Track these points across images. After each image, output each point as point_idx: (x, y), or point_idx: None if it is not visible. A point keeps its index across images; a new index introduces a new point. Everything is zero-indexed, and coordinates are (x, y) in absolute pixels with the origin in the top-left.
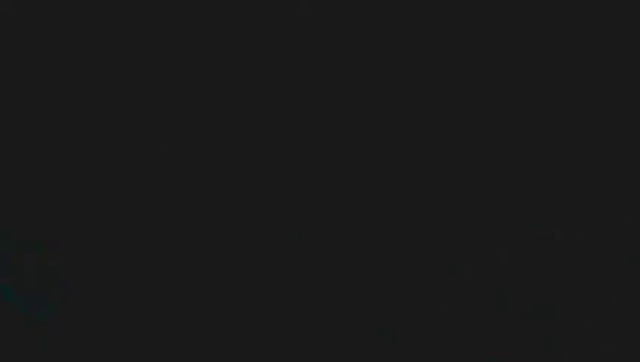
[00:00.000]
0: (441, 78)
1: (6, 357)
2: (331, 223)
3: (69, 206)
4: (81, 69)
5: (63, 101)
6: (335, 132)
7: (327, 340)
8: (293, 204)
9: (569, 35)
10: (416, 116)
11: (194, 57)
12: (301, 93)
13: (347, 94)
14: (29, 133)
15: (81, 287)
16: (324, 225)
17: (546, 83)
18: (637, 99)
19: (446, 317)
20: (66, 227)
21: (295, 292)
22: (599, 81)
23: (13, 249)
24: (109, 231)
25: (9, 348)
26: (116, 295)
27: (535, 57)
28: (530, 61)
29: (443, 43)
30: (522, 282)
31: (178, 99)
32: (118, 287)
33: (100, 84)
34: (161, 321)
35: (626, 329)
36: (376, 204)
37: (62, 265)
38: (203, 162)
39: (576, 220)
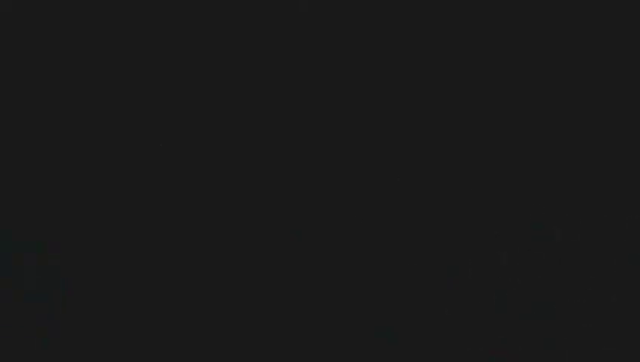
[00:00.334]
0: (441, 78)
1: (6, 357)
2: (331, 223)
3: (69, 206)
4: (81, 69)
5: (63, 101)
6: (335, 132)
7: (327, 340)
8: (293, 204)
9: (569, 35)
10: (416, 116)
11: (194, 57)
12: (301, 93)
13: (347, 94)
14: (29, 133)
15: (81, 287)
16: (324, 225)
17: (546, 83)
18: (637, 99)
19: (446, 317)
20: (66, 227)
21: (295, 293)
22: (599, 81)
23: (13, 249)
24: (109, 231)
25: (9, 348)
26: (116, 295)
27: (535, 57)
28: (529, 61)
29: (443, 43)
30: (522, 282)
31: (178, 99)
32: (118, 287)
33: (99, 84)
34: (161, 321)
35: (626, 329)
36: (376, 204)
37: (62, 265)
38: (203, 162)
39: (576, 220)
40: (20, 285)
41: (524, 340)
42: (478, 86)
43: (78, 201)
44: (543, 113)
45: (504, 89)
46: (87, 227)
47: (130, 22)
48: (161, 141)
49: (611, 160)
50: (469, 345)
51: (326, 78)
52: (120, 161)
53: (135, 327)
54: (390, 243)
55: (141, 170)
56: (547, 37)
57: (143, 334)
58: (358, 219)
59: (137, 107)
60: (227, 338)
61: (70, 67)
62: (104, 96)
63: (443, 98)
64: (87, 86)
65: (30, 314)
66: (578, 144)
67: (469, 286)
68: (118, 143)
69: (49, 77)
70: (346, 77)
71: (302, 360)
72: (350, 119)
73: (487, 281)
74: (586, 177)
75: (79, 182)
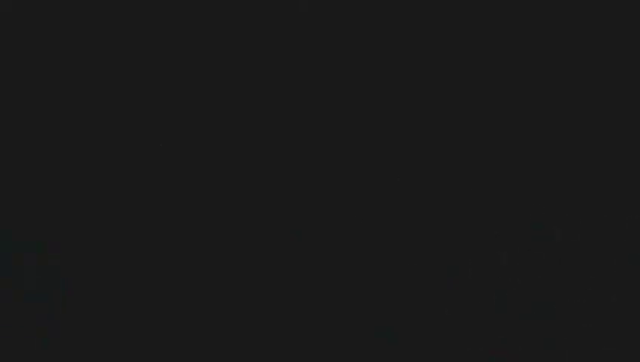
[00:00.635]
0: (440, 78)
1: (6, 357)
2: (331, 223)
3: (69, 206)
4: (81, 69)
5: (62, 101)
6: (335, 132)
7: (327, 340)
8: (293, 204)
9: (569, 35)
10: (416, 116)
11: (194, 57)
12: (301, 93)
13: (347, 94)
14: (29, 133)
15: (81, 287)
16: (324, 225)
17: (546, 83)
18: (637, 99)
19: (446, 317)
20: (66, 227)
21: (295, 293)
22: (599, 81)
23: (13, 249)
24: (109, 231)
25: (9, 348)
26: (116, 295)
27: (535, 57)
28: (529, 61)
29: (443, 43)
30: (522, 282)
31: (178, 98)
32: (118, 287)
33: (99, 84)
34: (161, 321)
35: (626, 329)
36: (376, 204)
37: (62, 265)
38: (203, 162)
39: (576, 220)
40: (20, 285)
41: (524, 340)
42: (478, 86)
43: (78, 201)
44: (543, 113)
45: (504, 89)
46: (87, 227)
47: (130, 22)
48: (161, 141)
49: (611, 160)
50: (469, 344)
51: (326, 77)
52: (120, 160)
53: (135, 327)
54: (390, 244)
55: (141, 169)
56: (547, 37)
57: (142, 334)
58: (358, 219)
59: (137, 107)
60: (227, 338)
61: (70, 67)
62: (104, 96)
63: (443, 98)
64: (87, 86)
65: (30, 314)
66: (578, 144)
67: (469, 286)
68: (118, 143)
69: (49, 77)
70: (345, 77)
71: (302, 360)
72: (350, 119)
73: (487, 281)
74: (586, 177)
75: (79, 182)
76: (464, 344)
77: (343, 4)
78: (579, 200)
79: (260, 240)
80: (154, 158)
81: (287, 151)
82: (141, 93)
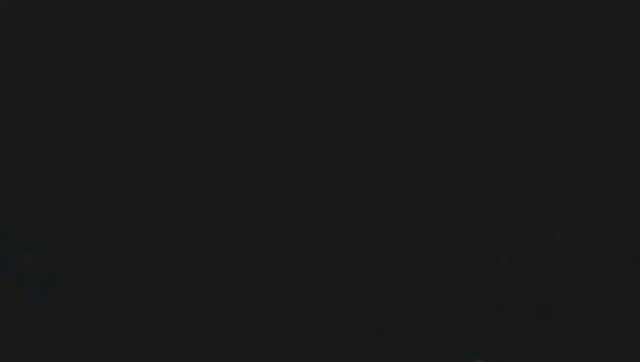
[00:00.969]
0: (440, 78)
1: (6, 357)
2: (331, 223)
3: (69, 206)
4: (81, 69)
5: (62, 101)
6: (335, 132)
7: (327, 340)
8: (293, 204)
9: (569, 35)
10: (416, 116)
11: (194, 57)
12: (301, 93)
13: (347, 94)
14: (29, 133)
15: (81, 287)
16: (324, 226)
17: (546, 83)
18: (637, 99)
19: (446, 317)
20: (66, 227)
21: (295, 293)
22: (599, 81)
23: (13, 249)
24: (109, 231)
25: (9, 348)
26: (116, 295)
27: (535, 57)
28: (529, 61)
29: (443, 43)
30: (522, 282)
31: (178, 99)
32: (118, 287)
33: (99, 84)
34: (161, 321)
35: (626, 329)
36: (376, 204)
37: (62, 265)
38: (203, 162)
39: (576, 220)
40: (20, 285)
41: (524, 340)
42: (478, 86)
43: (77, 201)
44: (543, 113)
45: (504, 89)
46: (87, 227)
47: (130, 22)
48: (161, 141)
49: (611, 160)
50: (469, 344)
51: (326, 77)
52: (120, 161)
53: (135, 327)
54: (390, 244)
55: (141, 170)
56: (547, 37)
57: (142, 334)
58: (358, 219)
59: (137, 107)
60: (227, 338)
61: (70, 67)
62: (104, 96)
63: (443, 98)
64: (87, 86)
65: (30, 314)
66: (578, 144)
67: (469, 286)
68: (117, 143)
69: (49, 77)
70: (345, 77)
71: (302, 360)
72: (350, 119)
73: (487, 281)
74: (586, 177)
75: (79, 182)
76: (464, 344)
77: (342, 4)
78: (579, 201)
79: (260, 240)
80: (154, 158)
81: (287, 151)
82: (141, 93)
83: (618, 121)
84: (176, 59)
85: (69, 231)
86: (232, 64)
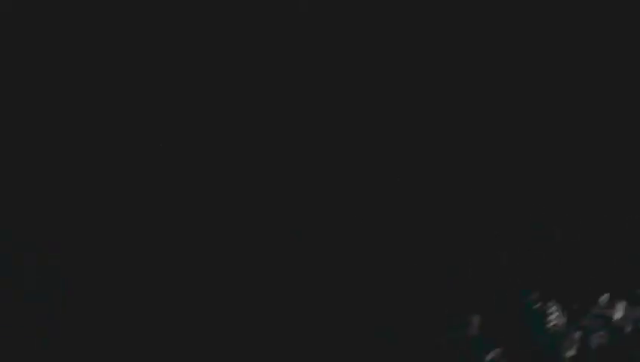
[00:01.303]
0: (440, 78)
1: (6, 357)
2: (331, 223)
3: (68, 206)
4: (81, 69)
5: (62, 101)
6: (335, 132)
7: (327, 340)
8: (293, 204)
9: (569, 35)
10: (416, 116)
11: (194, 57)
12: (301, 92)
13: (347, 94)
14: (29, 133)
15: (81, 287)
16: (324, 226)
17: (546, 84)
18: (637, 99)
19: (446, 317)
20: (66, 227)
21: (295, 293)
22: (599, 82)
23: (13, 249)
24: (108, 231)
25: (9, 348)
26: (116, 295)
27: (535, 58)
28: (530, 62)
29: (443, 43)
30: (522, 282)
31: (178, 99)
32: (118, 287)
33: (99, 84)
34: (160, 321)
35: (626, 329)
36: (377, 204)
37: (62, 265)
38: (203, 162)
39: (576, 220)
40: (20, 285)
41: (524, 340)
42: (479, 87)
43: (77, 201)
44: (543, 114)
45: (504, 90)
46: (87, 227)
47: (130, 22)
48: (160, 141)
49: (611, 160)
50: (469, 344)
51: (326, 77)
52: (120, 161)
53: (134, 327)
54: (390, 244)
55: (141, 170)
56: (547, 37)
57: (142, 334)
58: (358, 219)
59: (137, 107)
60: (227, 338)
61: (70, 67)
62: (104, 96)
63: (443, 99)
64: (87, 86)
65: (30, 314)
66: (578, 145)
67: (469, 286)
68: (117, 144)
69: (49, 77)
70: (345, 77)
71: (302, 360)
72: (350, 119)
73: (487, 281)
74: (586, 177)
75: (79, 182)
76: (464, 344)
77: (342, 4)
78: (579, 201)
79: (260, 240)
80: (154, 158)
81: (286, 151)
82: (141, 93)
83: (618, 122)
84: (176, 59)
85: (69, 231)
86: (232, 64)
